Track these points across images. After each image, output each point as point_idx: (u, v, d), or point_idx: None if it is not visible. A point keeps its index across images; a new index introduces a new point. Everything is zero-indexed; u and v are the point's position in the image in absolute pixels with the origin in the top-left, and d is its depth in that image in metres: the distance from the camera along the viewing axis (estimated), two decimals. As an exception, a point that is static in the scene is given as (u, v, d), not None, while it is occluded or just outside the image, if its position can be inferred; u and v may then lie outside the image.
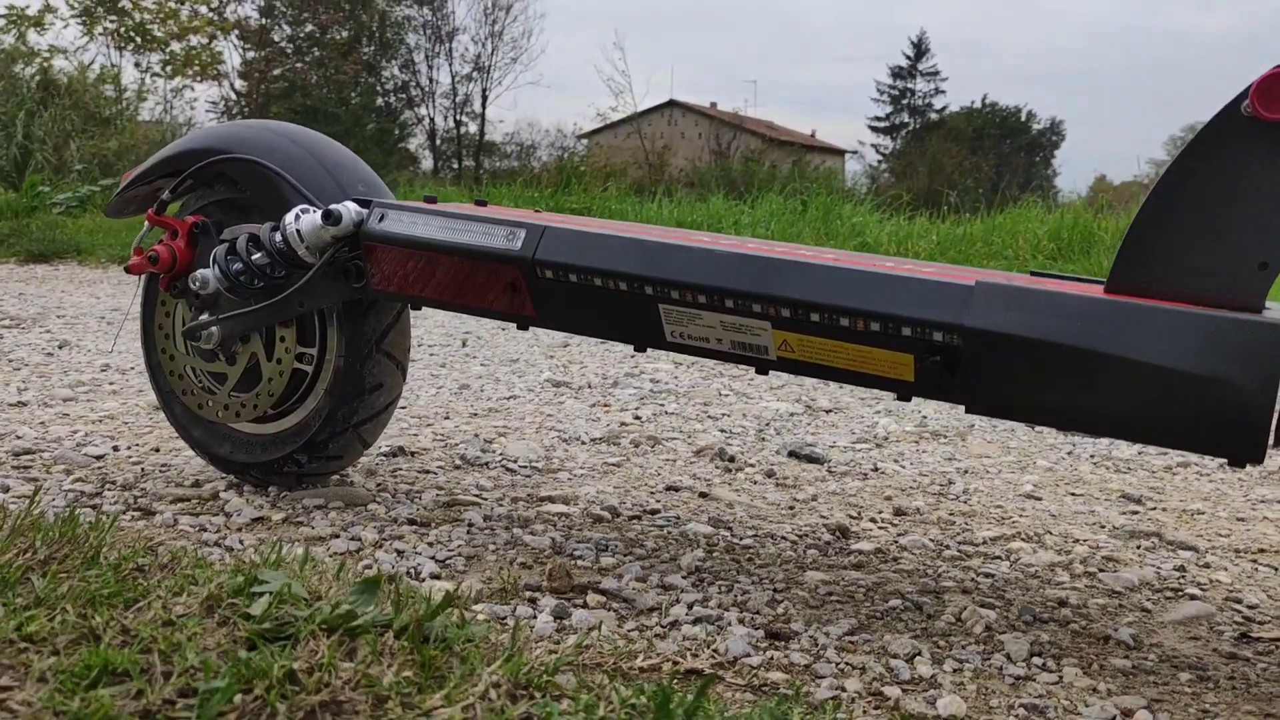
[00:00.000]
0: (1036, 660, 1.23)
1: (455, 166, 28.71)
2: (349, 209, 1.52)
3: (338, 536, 1.53)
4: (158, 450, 2.03)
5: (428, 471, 1.99)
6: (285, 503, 1.69)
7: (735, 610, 1.32)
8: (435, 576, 1.37)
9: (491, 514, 1.70)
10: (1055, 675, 1.19)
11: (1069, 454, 2.47)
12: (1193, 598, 1.50)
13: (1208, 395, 1.08)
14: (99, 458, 1.96)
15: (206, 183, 1.74)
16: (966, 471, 2.25)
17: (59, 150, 16.42)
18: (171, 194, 1.73)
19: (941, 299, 1.18)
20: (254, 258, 1.57)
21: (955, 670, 1.19)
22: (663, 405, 2.86)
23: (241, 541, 1.46)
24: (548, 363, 3.53)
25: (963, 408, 1.24)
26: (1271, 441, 1.12)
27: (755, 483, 2.05)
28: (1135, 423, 1.14)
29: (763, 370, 1.34)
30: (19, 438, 2.11)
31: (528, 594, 1.33)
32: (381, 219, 1.51)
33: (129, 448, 2.07)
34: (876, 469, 2.20)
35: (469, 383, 3.03)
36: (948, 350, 1.19)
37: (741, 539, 1.65)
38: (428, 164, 28.44)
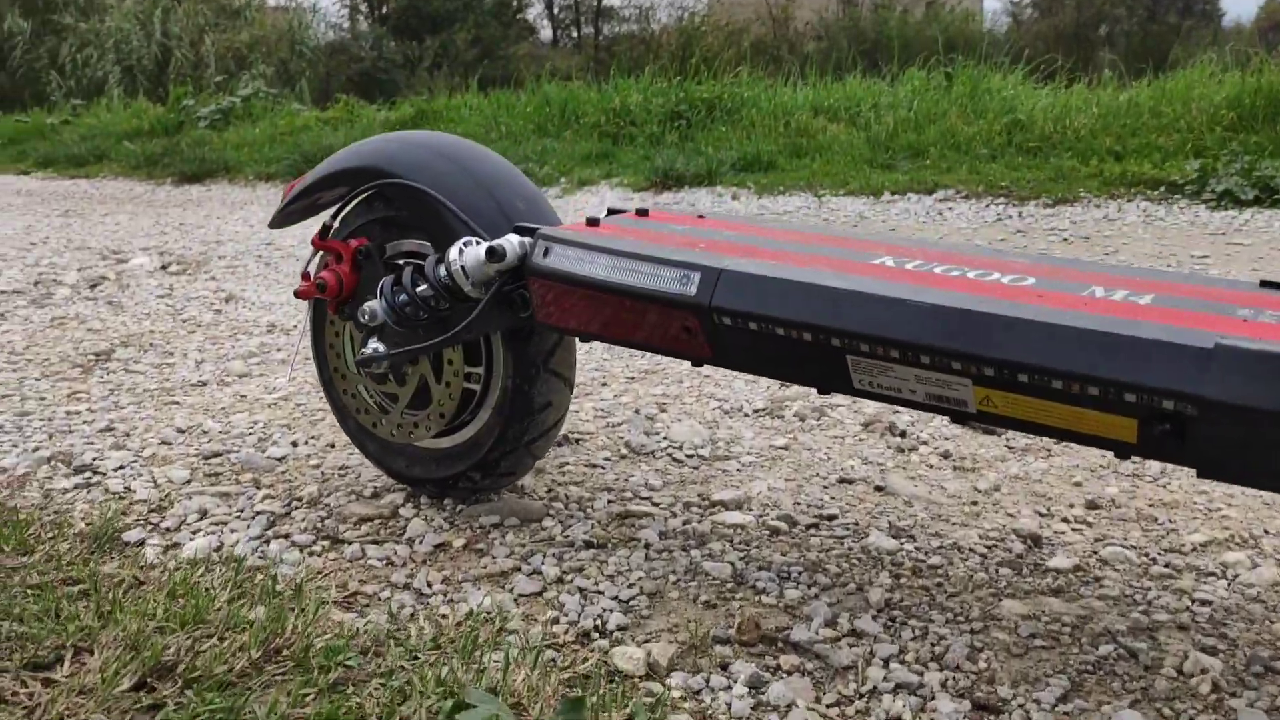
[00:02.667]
0: (1272, 735, 1.14)
1: (574, 35, 28.24)
2: (512, 244, 1.47)
3: (519, 570, 1.53)
4: (333, 446, 2.08)
5: (595, 466, 1.98)
6: (463, 520, 1.71)
7: (935, 669, 1.27)
8: (622, 628, 1.36)
9: (666, 529, 1.68)
10: (1296, 761, 1.10)
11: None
12: None
13: None
14: (280, 459, 2.02)
15: (365, 202, 1.71)
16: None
17: (195, 46, 16.80)
18: (333, 219, 1.72)
19: (1174, 365, 1.06)
20: (419, 289, 1.55)
21: (1183, 753, 1.11)
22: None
23: (429, 584, 1.48)
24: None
25: (1193, 471, 1.13)
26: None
27: (931, 467, 1.97)
28: None
29: (960, 421, 1.25)
30: (205, 433, 2.19)
31: (719, 653, 1.30)
32: (546, 253, 1.46)
33: (306, 442, 2.12)
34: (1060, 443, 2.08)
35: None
36: (1179, 418, 1.08)
37: (928, 556, 1.59)
38: (546, 34, 28.06)
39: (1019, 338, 1.14)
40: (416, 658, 1.20)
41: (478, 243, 1.52)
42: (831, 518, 1.74)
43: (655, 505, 1.80)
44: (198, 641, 1.15)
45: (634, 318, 1.39)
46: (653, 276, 1.35)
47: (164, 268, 4.55)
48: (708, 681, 1.23)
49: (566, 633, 1.33)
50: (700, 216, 1.66)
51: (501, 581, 1.49)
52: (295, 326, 3.29)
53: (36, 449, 2.07)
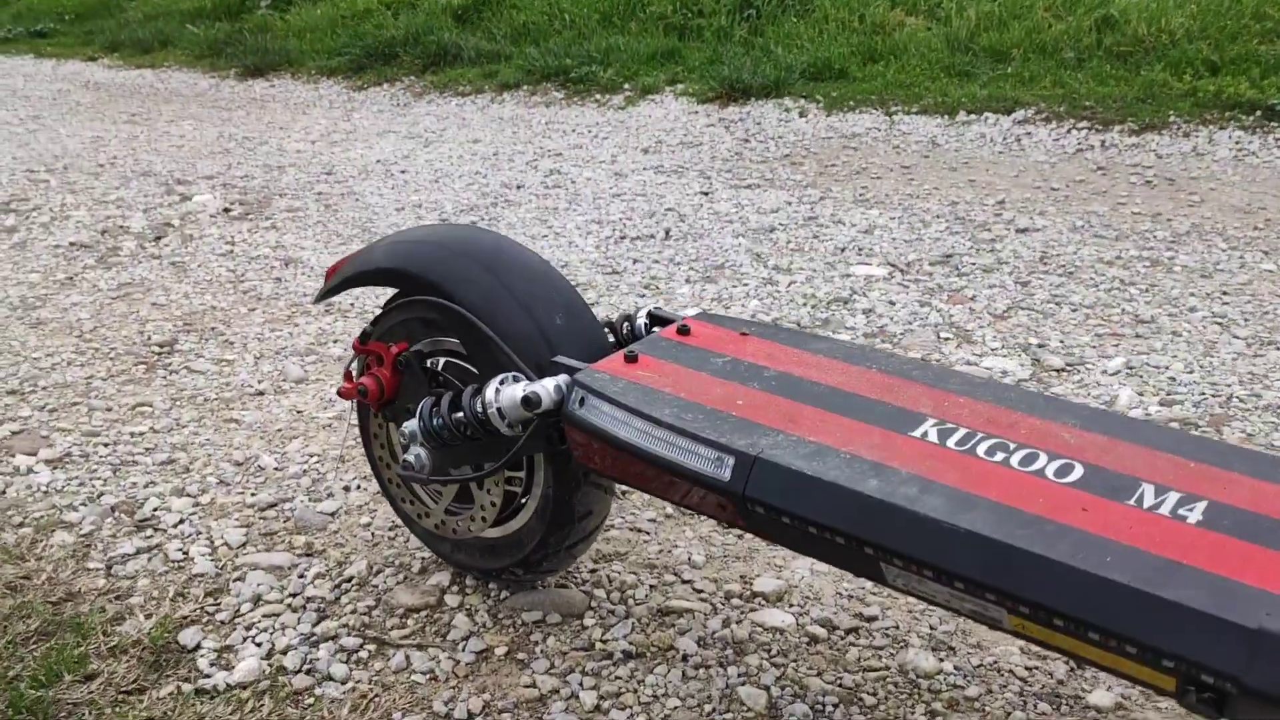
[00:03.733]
0: None
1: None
2: (547, 392, 1.45)
3: (557, 693, 1.57)
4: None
5: (639, 531, 1.99)
6: (505, 613, 1.74)
7: None
8: (654, 786, 1.40)
9: (706, 633, 1.70)
10: None
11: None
12: None
13: None
14: (332, 514, 2.06)
15: (405, 302, 1.69)
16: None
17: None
18: (373, 324, 1.70)
19: (1215, 641, 1.03)
20: (455, 417, 1.54)
21: None
22: (879, 366, 2.71)
23: (470, 712, 1.52)
24: (758, 281, 3.39)
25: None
26: None
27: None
28: None
29: (996, 628, 1.23)
30: (260, 470, 2.24)
31: (746, 826, 1.33)
32: (581, 403, 1.44)
33: (358, 486, 2.17)
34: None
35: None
36: (1219, 691, 1.05)
37: (968, 682, 1.59)
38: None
39: (1055, 582, 1.10)
40: None
41: (515, 379, 1.50)
42: (871, 619, 1.73)
43: (697, 592, 1.82)
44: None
45: (669, 483, 1.37)
46: (688, 454, 1.33)
47: (226, 210, 4.57)
48: None
49: (598, 796, 1.37)
50: (744, 334, 1.61)
51: (538, 710, 1.53)
52: (353, 306, 3.31)
53: (100, 495, 2.14)
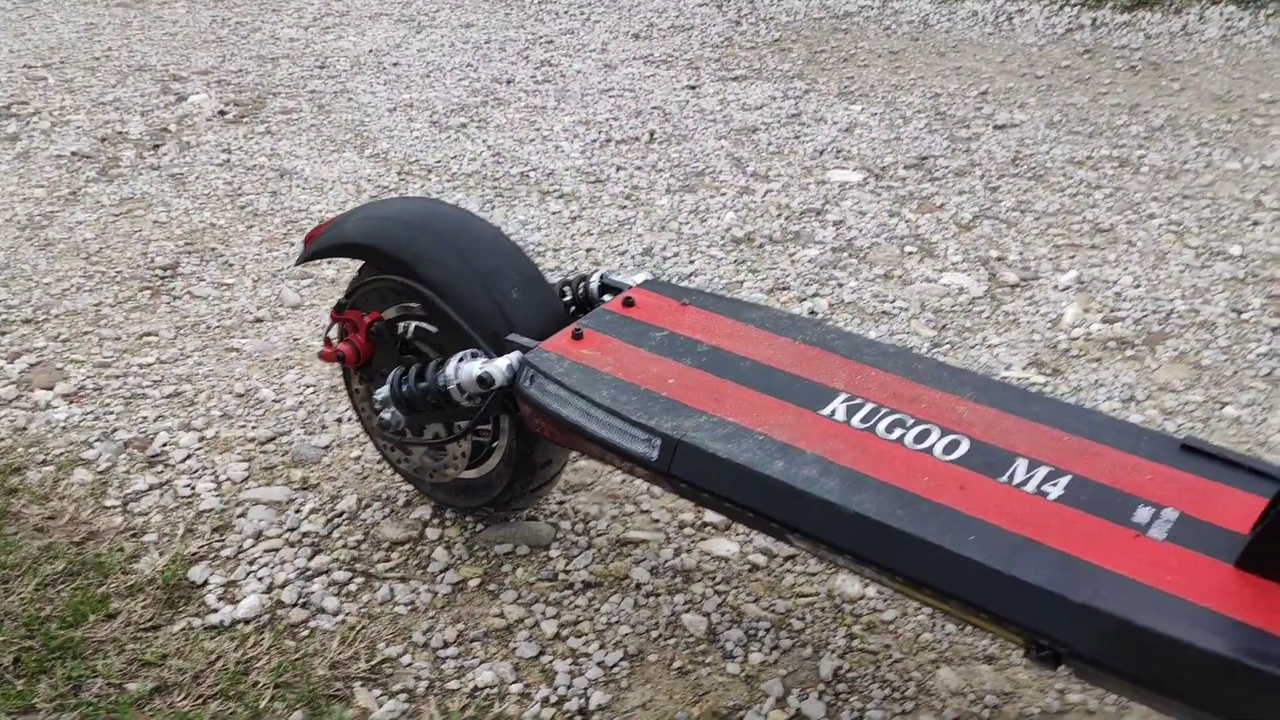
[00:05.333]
0: None
1: None
2: (500, 371, 1.61)
3: (522, 622, 1.78)
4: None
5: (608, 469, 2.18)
6: (480, 545, 1.95)
7: (858, 766, 1.52)
8: (602, 707, 1.62)
9: (658, 564, 1.90)
10: None
11: (1266, 376, 2.36)
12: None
13: None
14: (326, 448, 2.26)
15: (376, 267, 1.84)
16: (1147, 399, 2.23)
17: None
18: (347, 296, 1.86)
19: (1054, 614, 1.21)
20: (420, 386, 1.71)
21: None
22: (841, 283, 2.86)
23: (445, 643, 1.74)
24: (735, 190, 3.49)
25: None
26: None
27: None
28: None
29: (887, 588, 1.42)
30: (260, 403, 2.44)
31: (678, 743, 1.56)
32: (531, 380, 1.60)
33: (350, 419, 2.36)
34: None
35: (652, 241, 3.09)
36: (1055, 651, 1.24)
37: (886, 607, 1.80)
38: None
39: (923, 558, 1.28)
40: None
41: (474, 355, 1.66)
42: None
43: (654, 522, 2.02)
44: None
45: (608, 454, 1.55)
46: (622, 434, 1.50)
47: (221, 112, 4.64)
48: (662, 786, 1.50)
49: (553, 717, 1.60)
50: (684, 304, 1.76)
51: (506, 639, 1.75)
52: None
53: (114, 430, 2.34)
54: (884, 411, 1.49)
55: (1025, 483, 1.36)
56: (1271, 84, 4.01)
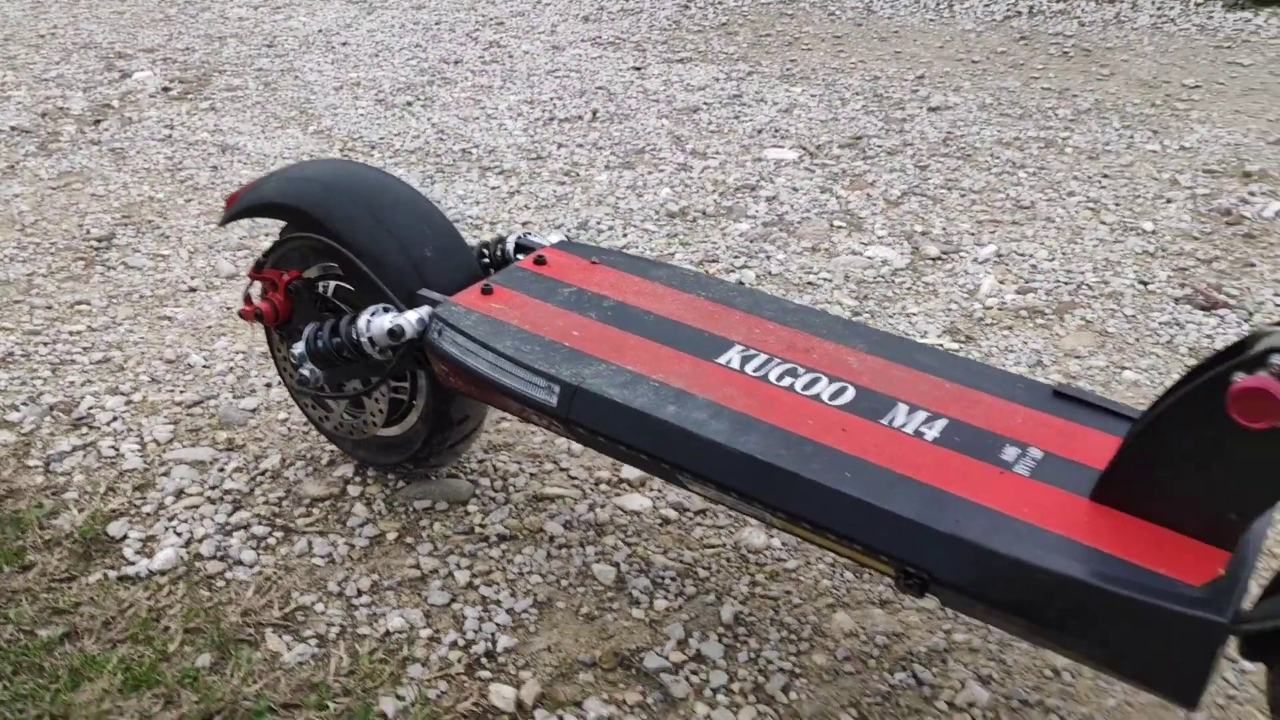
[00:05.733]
0: (998, 783, 1.45)
1: None
2: (410, 324, 1.66)
3: (436, 573, 1.83)
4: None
5: (529, 423, 2.23)
6: (399, 501, 2.00)
7: (752, 702, 1.58)
8: (509, 650, 1.67)
9: (572, 519, 1.96)
10: (1004, 815, 1.42)
11: (1166, 343, 2.45)
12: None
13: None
14: (253, 410, 2.30)
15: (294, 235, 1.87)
16: (1053, 364, 2.31)
17: None
18: (265, 255, 1.89)
19: (919, 544, 1.28)
20: (335, 341, 1.75)
21: (918, 803, 1.43)
22: (769, 255, 2.92)
23: (359, 591, 1.79)
24: (674, 166, 3.55)
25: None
26: None
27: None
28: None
29: (767, 524, 1.48)
30: (189, 368, 2.46)
31: (581, 681, 1.61)
32: (440, 333, 1.65)
33: (279, 383, 2.39)
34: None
35: (588, 215, 3.14)
36: (921, 579, 1.31)
37: (789, 557, 1.86)
38: None
39: (802, 495, 1.34)
40: (326, 706, 1.53)
41: (385, 309, 1.71)
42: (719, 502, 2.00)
43: (571, 479, 2.07)
44: (146, 710, 1.49)
45: (511, 403, 1.60)
46: (526, 382, 1.55)
47: (165, 89, 4.63)
48: (561, 720, 1.55)
49: (460, 660, 1.65)
50: (594, 263, 1.81)
51: (419, 588, 1.80)
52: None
53: (40, 395, 2.36)
54: (777, 362, 1.56)
55: (904, 425, 1.43)
56: (1197, 70, 4.13)
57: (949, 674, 1.62)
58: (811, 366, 1.54)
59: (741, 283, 2.75)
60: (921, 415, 1.45)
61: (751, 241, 3.01)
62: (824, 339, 1.62)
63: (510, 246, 1.89)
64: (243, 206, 1.91)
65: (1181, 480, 1.21)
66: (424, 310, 1.68)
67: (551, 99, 4.28)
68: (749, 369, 1.54)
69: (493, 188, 3.46)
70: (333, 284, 1.87)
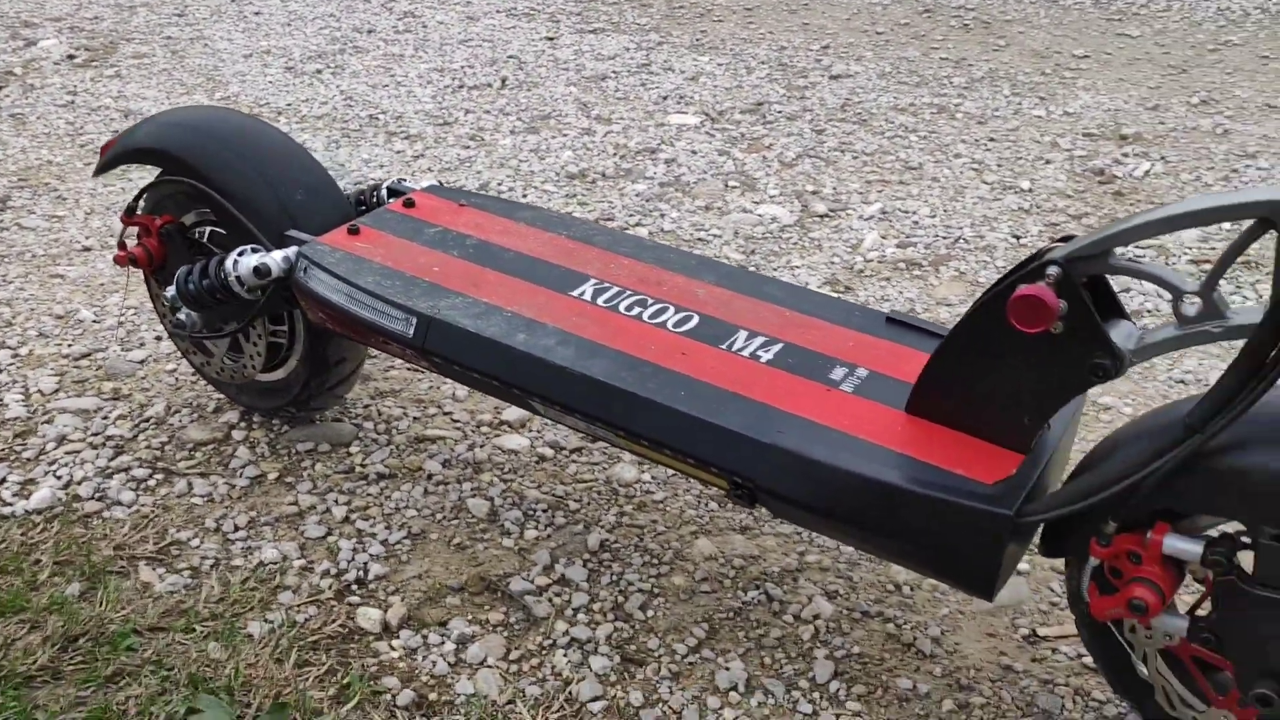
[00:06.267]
0: (835, 685, 1.54)
1: None
2: (276, 262, 1.71)
3: (314, 509, 1.88)
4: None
5: (415, 370, 2.29)
6: (283, 444, 2.04)
7: (610, 619, 1.65)
8: (380, 577, 1.73)
9: (451, 457, 2.02)
10: (835, 711, 1.51)
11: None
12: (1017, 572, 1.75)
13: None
14: (141, 362, 2.32)
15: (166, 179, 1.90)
16: (925, 311, 2.41)
17: None
18: (137, 199, 1.92)
19: (744, 455, 1.36)
20: (205, 283, 1.79)
21: (760, 705, 1.52)
22: (664, 214, 3.00)
23: (236, 527, 1.83)
24: (578, 131, 3.61)
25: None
26: None
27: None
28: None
29: (615, 446, 1.56)
30: (79, 323, 2.47)
31: (448, 604, 1.68)
32: (306, 271, 1.70)
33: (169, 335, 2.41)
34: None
35: (490, 177, 3.19)
36: (749, 489, 1.39)
37: (658, 489, 1.94)
38: None
39: (641, 414, 1.42)
40: (193, 629, 1.58)
41: (254, 250, 1.75)
42: (596, 441, 2.07)
43: (454, 422, 2.13)
44: (11, 635, 1.53)
45: (374, 337, 1.66)
46: (384, 315, 1.61)
47: (70, 56, 4.58)
48: (425, 640, 1.61)
49: (330, 587, 1.70)
50: (462, 205, 1.87)
51: (296, 523, 1.85)
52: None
53: (-71, 349, 2.36)
54: (628, 294, 1.63)
55: (742, 349, 1.51)
56: (1087, 41, 4.27)
57: (798, 591, 1.71)
58: (660, 298, 1.62)
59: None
60: (759, 340, 1.53)
61: (647, 201, 3.08)
62: (675, 272, 1.69)
63: (384, 193, 1.94)
64: (115, 154, 1.94)
65: (977, 388, 1.30)
66: (291, 250, 1.73)
67: (462, 67, 4.31)
68: (600, 300, 1.61)
69: (398, 152, 3.49)
70: (208, 229, 1.91)
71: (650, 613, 1.67)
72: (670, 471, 1.98)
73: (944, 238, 2.79)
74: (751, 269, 2.60)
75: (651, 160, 3.36)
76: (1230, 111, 3.51)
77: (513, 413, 2.14)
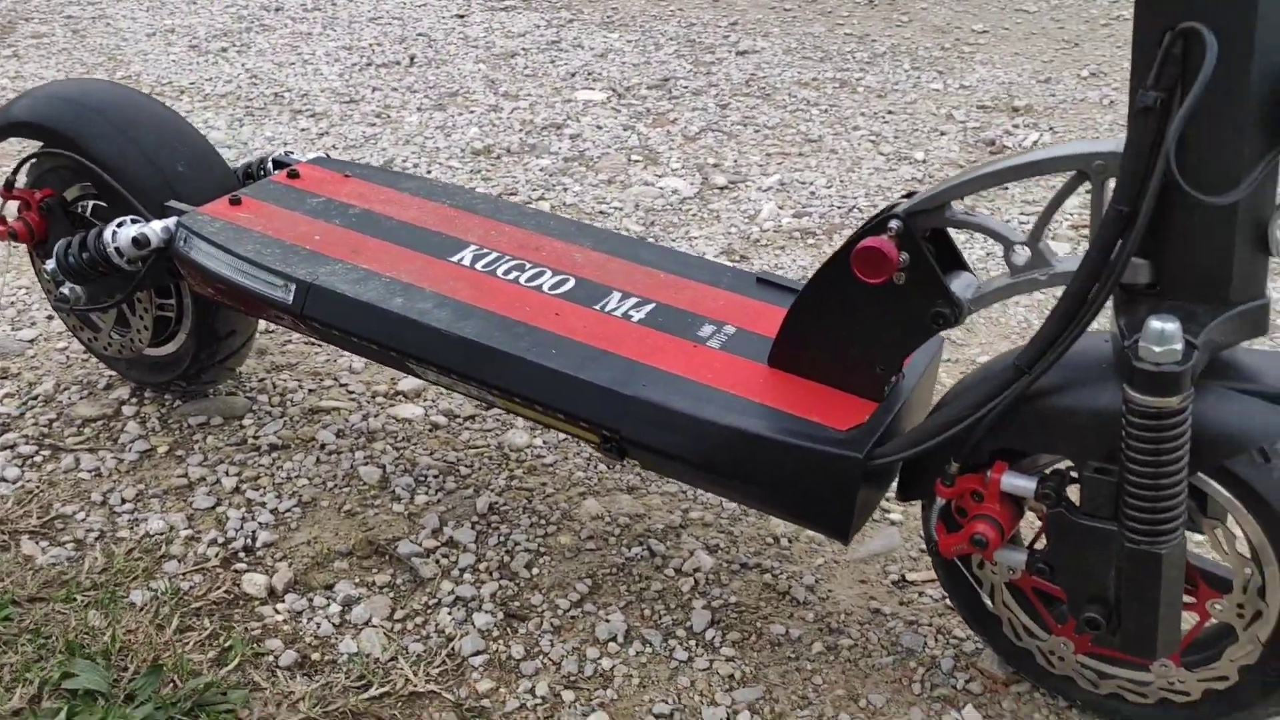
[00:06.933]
0: (711, 633, 1.60)
1: None
2: (155, 232, 1.71)
3: (204, 480, 1.89)
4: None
5: (312, 344, 2.30)
6: (175, 419, 2.04)
7: (496, 578, 1.69)
8: (268, 544, 1.75)
9: (345, 428, 2.04)
10: (710, 657, 1.56)
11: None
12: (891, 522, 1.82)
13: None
14: (31, 341, 2.30)
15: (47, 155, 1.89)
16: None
17: None
18: (14, 173, 1.90)
19: (610, 408, 1.40)
20: (85, 256, 1.78)
21: (637, 654, 1.57)
22: (566, 188, 3.03)
23: (123, 500, 1.84)
24: (485, 108, 3.62)
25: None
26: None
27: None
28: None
29: (491, 406, 1.59)
30: (-31, 304, 2.44)
31: (336, 568, 1.71)
32: (185, 241, 1.70)
33: (61, 315, 2.39)
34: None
35: (394, 154, 3.19)
36: (617, 442, 1.43)
37: (549, 453, 1.98)
38: None
39: (512, 372, 1.46)
40: (74, 599, 1.59)
41: (133, 221, 1.75)
42: (490, 408, 2.10)
43: (350, 393, 2.15)
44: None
45: (256, 305, 1.67)
46: (263, 282, 1.62)
47: (-35, 37, 4.47)
48: (311, 603, 1.64)
49: (217, 555, 1.72)
50: (347, 176, 1.88)
51: (185, 495, 1.86)
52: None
53: None
54: (507, 259, 1.66)
55: (615, 309, 1.56)
56: (987, 17, 4.38)
57: (681, 546, 1.76)
58: (538, 262, 1.66)
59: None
60: (632, 301, 1.57)
61: (551, 176, 3.11)
62: (555, 238, 1.73)
63: (270, 165, 1.95)
64: (-4, 129, 1.92)
65: (830, 340, 1.36)
66: (170, 220, 1.73)
67: (371, 45, 4.29)
68: (479, 265, 1.64)
69: (302, 129, 3.47)
70: (90, 203, 1.90)
71: (535, 571, 1.71)
72: (562, 436, 2.02)
73: (839, 207, 2.86)
74: (651, 240, 2.64)
75: (557, 136, 3.39)
76: (1117, 84, 3.63)
77: (408, 383, 2.17)
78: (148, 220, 1.76)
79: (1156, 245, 1.14)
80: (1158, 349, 1.07)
